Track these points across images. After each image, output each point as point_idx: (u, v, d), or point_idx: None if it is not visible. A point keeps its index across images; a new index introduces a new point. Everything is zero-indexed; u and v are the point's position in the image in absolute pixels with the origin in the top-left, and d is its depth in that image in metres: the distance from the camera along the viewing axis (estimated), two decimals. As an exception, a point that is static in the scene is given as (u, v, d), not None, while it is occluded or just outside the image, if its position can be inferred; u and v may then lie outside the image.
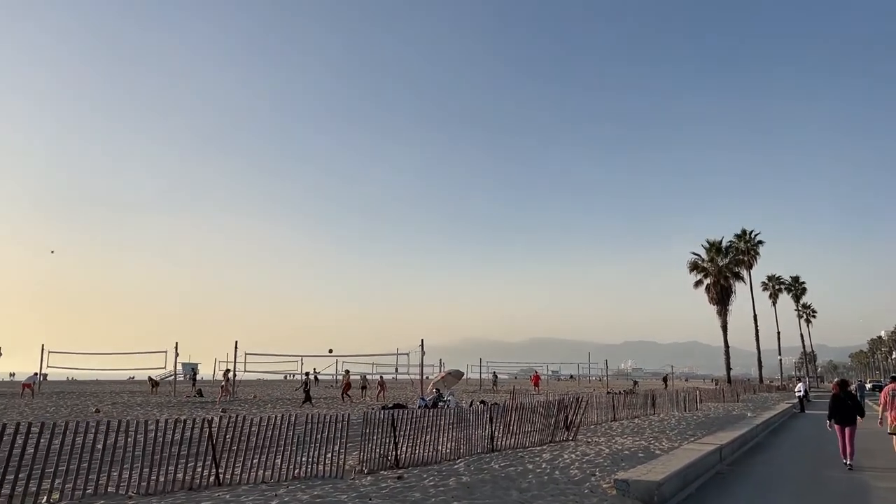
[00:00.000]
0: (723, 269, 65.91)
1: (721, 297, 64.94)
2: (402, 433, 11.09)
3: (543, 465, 11.06)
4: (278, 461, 8.99)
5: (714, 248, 66.86)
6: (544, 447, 13.81)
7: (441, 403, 30.50)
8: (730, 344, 64.99)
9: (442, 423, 12.06)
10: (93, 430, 7.67)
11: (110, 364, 49.03)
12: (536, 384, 60.20)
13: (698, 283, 66.66)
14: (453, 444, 12.17)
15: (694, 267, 67.22)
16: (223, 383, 36.00)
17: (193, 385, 43.24)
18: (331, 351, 50.75)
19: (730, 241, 68.33)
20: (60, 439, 7.44)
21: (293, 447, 9.23)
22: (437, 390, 32.13)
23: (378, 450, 10.56)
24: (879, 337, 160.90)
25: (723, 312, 64.92)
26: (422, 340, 36.39)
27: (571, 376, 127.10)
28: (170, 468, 7.83)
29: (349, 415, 10.57)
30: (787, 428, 23.54)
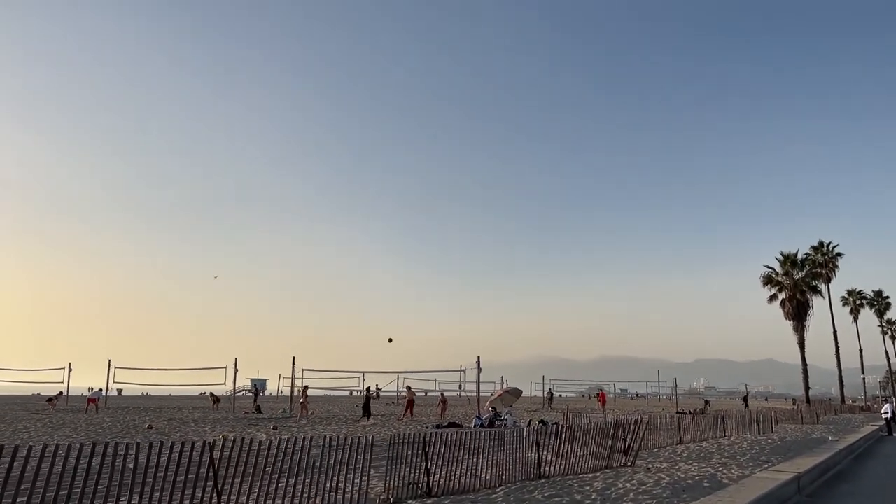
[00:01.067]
0: (798, 282, 62.73)
1: (797, 313, 61.76)
2: (435, 457, 10.12)
3: (593, 497, 9.89)
4: (291, 489, 8.12)
5: (789, 260, 63.80)
6: (598, 474, 12.57)
7: (498, 422, 29.39)
8: (808, 362, 61.59)
9: (481, 446, 11.01)
10: (74, 454, 6.81)
11: (175, 380, 49.81)
12: (603, 403, 58.25)
13: (773, 298, 63.64)
14: (495, 469, 11.12)
15: (768, 281, 64.24)
16: (301, 400, 35.88)
17: (254, 401, 43.28)
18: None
19: (806, 254, 65.11)
20: (36, 463, 6.46)
21: (309, 472, 8.36)
22: (494, 409, 31.01)
23: (407, 476, 9.61)
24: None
25: (799, 329, 61.71)
26: (478, 357, 35.41)
27: (637, 395, 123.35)
28: (163, 496, 7.03)
29: (373, 436, 9.63)
30: (873, 454, 21.40)
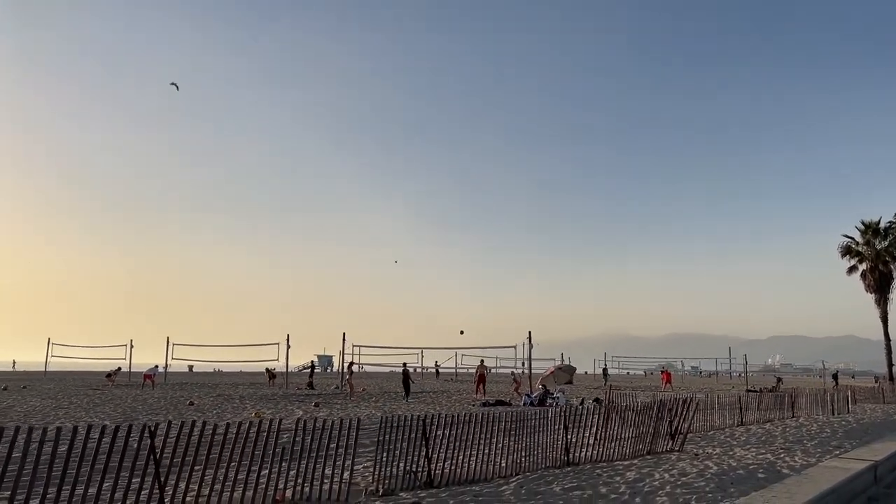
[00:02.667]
0: (881, 252, 58.23)
1: (879, 285, 57.44)
2: (440, 442, 8.91)
3: (621, 489, 8.50)
4: (254, 478, 7.04)
5: (870, 229, 59.21)
6: (635, 461, 11.11)
7: (549, 401, 28.06)
8: (892, 337, 57.50)
9: (495, 429, 9.72)
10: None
11: (235, 356, 50.21)
12: (668, 381, 55.86)
13: (852, 270, 59.34)
14: (515, 455, 9.83)
15: (847, 251, 59.90)
16: (348, 377, 35.39)
17: (309, 377, 43.05)
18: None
19: (889, 222, 60.30)
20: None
21: (278, 460, 7.27)
22: (544, 386, 29.66)
23: (404, 464, 8.43)
24: None
25: (882, 301, 57.43)
26: (529, 333, 34.02)
27: (701, 372, 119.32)
28: (104, 488, 6.02)
29: (359, 418, 8.46)
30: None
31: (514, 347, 37.02)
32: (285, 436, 7.53)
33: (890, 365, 58.25)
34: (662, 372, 61.40)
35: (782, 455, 12.31)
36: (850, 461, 11.67)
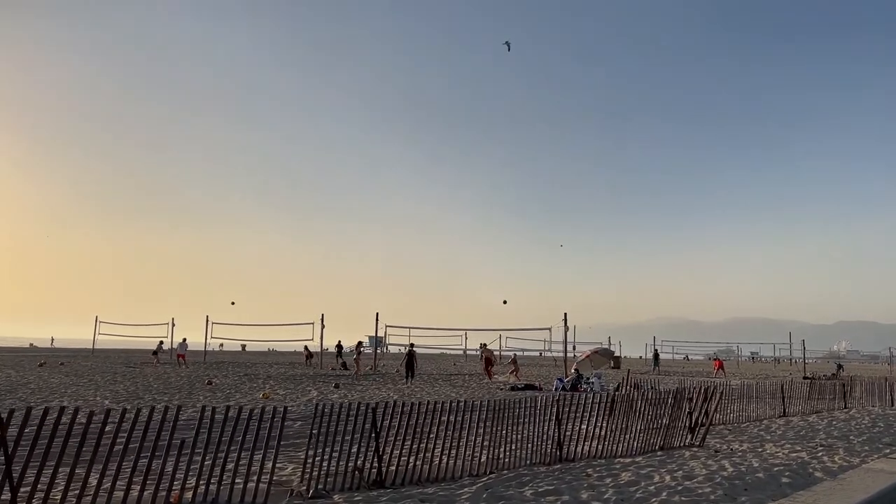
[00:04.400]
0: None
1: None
2: (395, 434, 7.66)
3: (607, 496, 7.10)
4: (152, 476, 5.92)
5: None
6: (639, 458, 9.64)
7: (584, 386, 26.58)
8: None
9: (468, 418, 8.40)
10: None
11: (272, 335, 50.22)
12: (720, 368, 53.35)
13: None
14: (496, 450, 8.52)
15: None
16: (355, 356, 34.46)
17: (338, 357, 42.35)
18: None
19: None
20: None
21: (178, 453, 6.14)
22: (577, 371, 28.14)
23: (346, 461, 7.21)
24: None
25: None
26: (565, 314, 32.43)
27: (754, 359, 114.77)
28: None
29: (285, 407, 7.22)
30: None
31: (549, 329, 35.37)
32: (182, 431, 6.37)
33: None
34: (714, 359, 58.92)
35: (820, 453, 10.65)
36: (901, 463, 10.01)
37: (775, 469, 8.94)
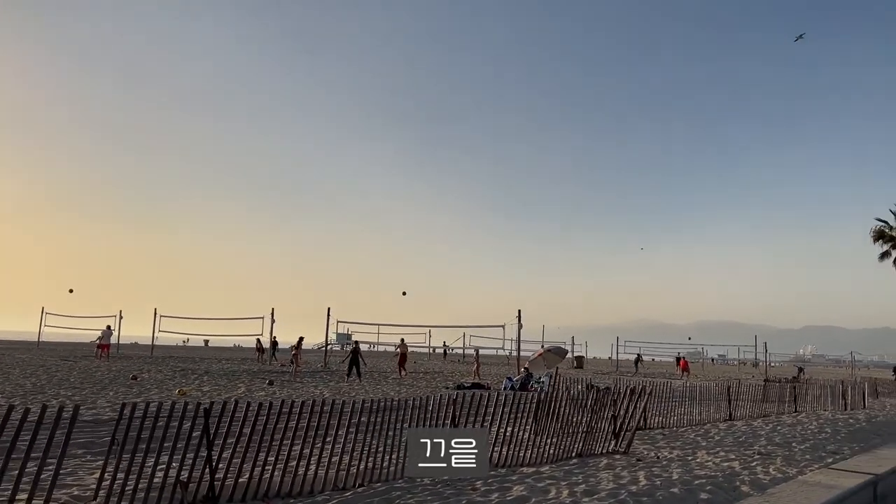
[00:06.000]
0: (917, 237, 54.66)
1: (914, 273, 54.00)
2: (235, 441, 6.37)
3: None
4: None
5: (905, 212, 55.63)
6: (546, 468, 8.44)
7: (535, 386, 25.53)
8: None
9: (334, 423, 7.13)
10: None
11: (217, 330, 48.72)
12: (685, 369, 52.75)
13: (884, 256, 55.72)
14: (368, 461, 7.26)
15: (879, 236, 56.15)
16: (294, 352, 33.07)
17: (272, 354, 40.73)
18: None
19: (927, 204, 56.58)
20: None
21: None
22: (527, 369, 27.06)
23: (164, 472, 5.92)
24: None
25: (916, 290, 54.28)
26: (518, 311, 31.40)
27: (714, 360, 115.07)
28: None
29: (75, 409, 5.86)
30: None
31: (503, 327, 34.29)
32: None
33: (922, 357, 54.82)
34: (680, 359, 58.39)
35: (754, 463, 9.58)
36: (842, 474, 8.93)
37: (696, 482, 7.81)
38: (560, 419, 9.47)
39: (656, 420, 13.87)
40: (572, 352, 54.98)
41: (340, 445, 7.08)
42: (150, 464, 5.78)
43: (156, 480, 5.78)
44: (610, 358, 79.73)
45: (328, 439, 6.99)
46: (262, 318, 41.00)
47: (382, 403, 7.64)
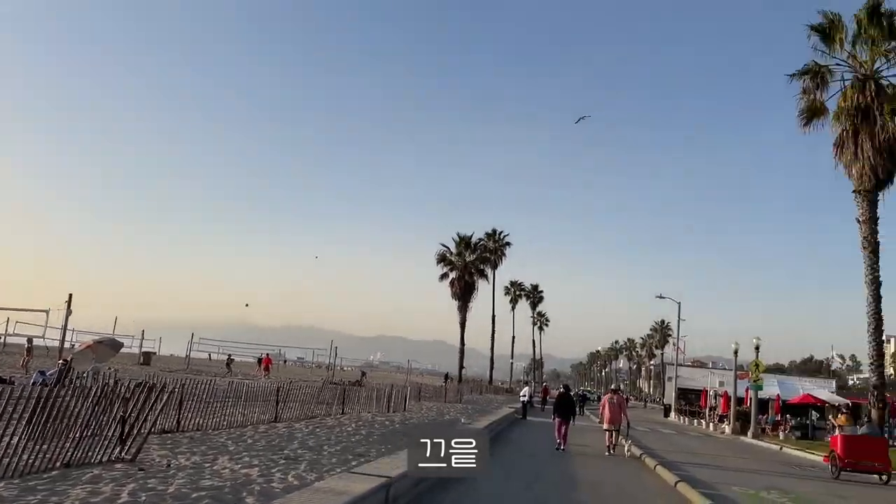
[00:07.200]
0: (469, 264, 64.28)
1: (463, 294, 63.50)
2: None
3: None
4: None
5: (464, 242, 65.19)
6: (20, 480, 6.57)
7: (78, 381, 22.08)
8: (472, 346, 63.92)
9: None
10: None
11: None
12: (266, 367, 52.25)
13: (444, 277, 64.55)
14: None
15: (441, 259, 64.87)
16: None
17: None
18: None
19: (480, 238, 66.98)
20: None
21: None
22: (66, 362, 23.42)
23: None
24: (598, 351, 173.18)
25: (463, 308, 63.92)
26: (70, 295, 27.30)
27: (286, 361, 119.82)
28: None
29: None
30: (504, 440, 18.44)
31: (47, 312, 29.46)
32: None
33: (461, 366, 63.95)
34: (263, 358, 57.90)
35: (276, 469, 8.93)
36: (359, 478, 8.64)
37: (195, 495, 6.73)
38: (61, 419, 7.57)
39: (195, 422, 12.59)
40: (141, 346, 50.71)
41: None
42: None
43: None
44: (172, 354, 75.84)
45: None
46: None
47: None
